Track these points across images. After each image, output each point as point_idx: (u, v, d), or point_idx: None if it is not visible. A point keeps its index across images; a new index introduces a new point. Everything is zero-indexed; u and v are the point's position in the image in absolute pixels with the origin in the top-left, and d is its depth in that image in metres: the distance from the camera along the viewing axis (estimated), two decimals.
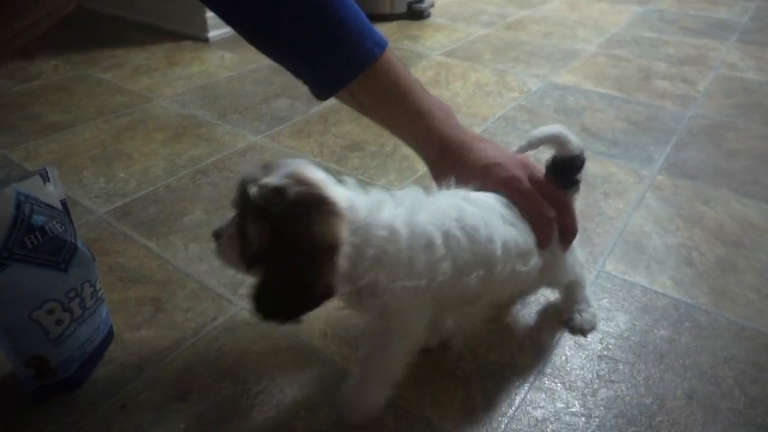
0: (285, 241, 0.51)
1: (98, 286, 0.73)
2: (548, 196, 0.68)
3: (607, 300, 0.86)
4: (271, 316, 0.55)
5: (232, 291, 0.86)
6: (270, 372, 0.73)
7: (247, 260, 0.55)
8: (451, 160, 0.70)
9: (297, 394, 0.71)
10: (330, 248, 0.51)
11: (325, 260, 0.51)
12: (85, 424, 0.67)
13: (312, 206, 0.51)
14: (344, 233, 0.52)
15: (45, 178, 0.65)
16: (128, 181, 1.14)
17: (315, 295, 0.53)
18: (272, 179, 0.52)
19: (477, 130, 1.36)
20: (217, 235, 0.60)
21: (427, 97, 0.73)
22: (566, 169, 0.70)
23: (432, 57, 1.83)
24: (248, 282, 0.86)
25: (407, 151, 1.26)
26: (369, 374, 0.64)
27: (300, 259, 0.51)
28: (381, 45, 0.69)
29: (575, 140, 0.69)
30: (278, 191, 0.51)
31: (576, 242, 0.75)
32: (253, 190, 0.52)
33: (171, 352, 0.76)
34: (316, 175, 0.55)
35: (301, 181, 0.52)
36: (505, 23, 2.19)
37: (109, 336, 0.77)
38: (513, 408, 0.70)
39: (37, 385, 0.68)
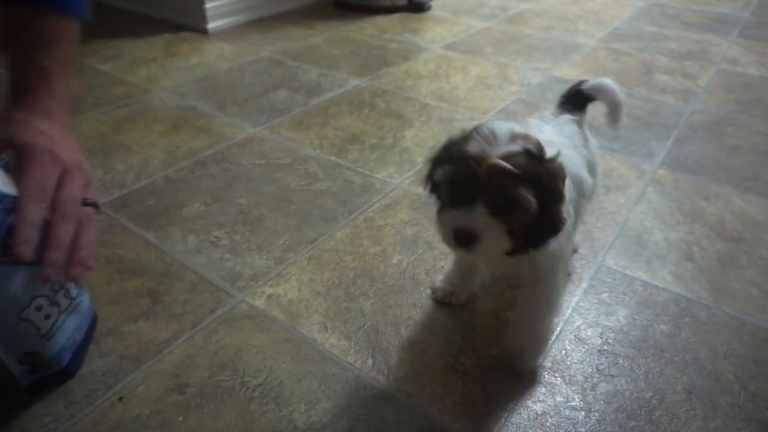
0: (551, 194, 0.58)
1: None
2: (69, 206, 0.57)
3: (607, 294, 0.86)
4: (531, 247, 0.61)
5: (231, 283, 0.86)
6: (269, 365, 0.73)
7: (519, 231, 0.59)
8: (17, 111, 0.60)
9: (296, 387, 0.70)
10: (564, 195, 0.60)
11: (563, 203, 0.60)
12: (82, 416, 0.66)
13: (556, 165, 0.59)
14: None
15: (5, 169, 0.59)
16: (126, 173, 1.13)
17: (562, 226, 0.61)
18: (511, 147, 0.57)
19: (477, 123, 1.35)
20: (470, 236, 0.58)
21: (60, 81, 0.65)
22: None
23: (432, 50, 1.82)
24: (247, 274, 0.86)
25: (407, 143, 1.26)
26: (540, 311, 0.71)
27: (559, 204, 0.59)
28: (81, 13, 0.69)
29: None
30: (529, 155, 0.57)
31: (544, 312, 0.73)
32: (501, 163, 0.55)
33: (169, 344, 0.76)
34: (526, 129, 0.63)
35: (524, 138, 0.59)
36: (507, 16, 2.18)
37: (94, 320, 0.76)
38: (513, 402, 0.70)
39: (32, 378, 0.67)
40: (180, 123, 1.33)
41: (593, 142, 0.88)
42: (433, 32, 1.98)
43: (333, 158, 1.19)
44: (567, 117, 0.83)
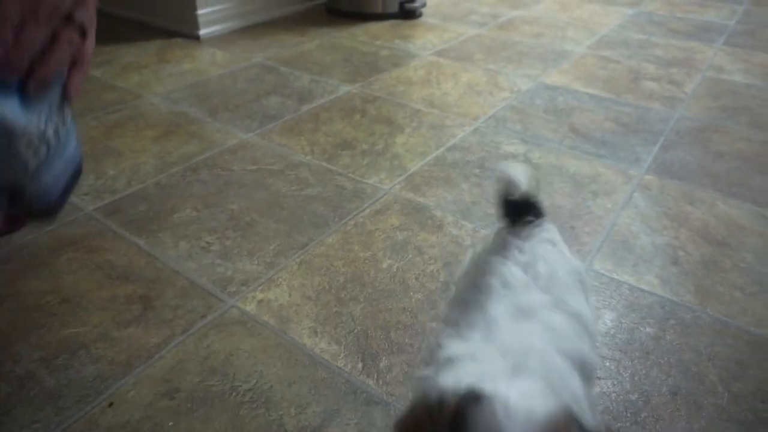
0: None
1: (67, 111, 0.66)
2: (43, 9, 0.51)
3: (594, 298, 0.87)
4: None
5: (222, 288, 0.86)
6: (259, 369, 0.74)
7: None
8: None
9: (286, 391, 0.71)
10: None
11: None
12: (72, 422, 0.67)
13: None
14: None
15: None
16: (118, 178, 1.14)
17: None
18: None
19: (467, 129, 1.37)
20: None
21: None
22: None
23: (423, 56, 1.83)
24: (237, 279, 0.87)
25: (398, 149, 1.27)
26: None
27: None
28: None
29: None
30: None
31: None
32: None
33: (160, 349, 0.76)
34: None
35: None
36: (497, 23, 2.20)
37: (79, 168, 0.73)
38: None
39: (8, 212, 0.65)
40: (172, 129, 1.33)
41: (575, 264, 0.63)
42: (424, 39, 2.00)
43: (324, 164, 1.20)
44: (533, 241, 0.61)
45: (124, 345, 0.77)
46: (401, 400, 0.70)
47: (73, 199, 1.07)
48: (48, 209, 0.68)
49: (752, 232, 1.03)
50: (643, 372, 0.75)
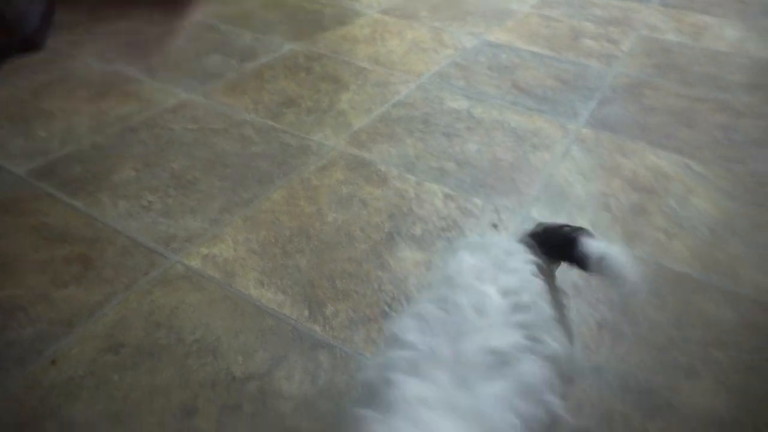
0: None
1: None
2: None
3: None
4: None
5: (165, 245, 0.85)
6: (206, 322, 0.74)
7: None
8: None
9: (233, 341, 0.72)
10: None
11: None
12: (12, 381, 0.66)
13: None
14: None
15: None
16: (50, 140, 1.09)
17: None
18: None
19: (412, 85, 1.38)
20: None
21: None
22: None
23: (369, 15, 1.81)
24: (181, 236, 0.86)
25: (343, 106, 1.27)
26: None
27: None
28: None
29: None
30: None
31: None
32: None
33: (102, 307, 0.75)
34: None
35: None
36: None
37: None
38: None
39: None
40: (106, 89, 1.28)
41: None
42: None
43: (269, 122, 1.19)
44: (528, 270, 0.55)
45: (64, 305, 0.76)
46: (347, 343, 0.73)
47: (2, 162, 1.02)
48: (30, 37, 0.63)
49: (677, 179, 1.10)
50: (574, 308, 0.80)
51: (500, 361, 0.44)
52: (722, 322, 0.79)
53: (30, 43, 0.65)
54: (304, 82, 1.36)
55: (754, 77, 1.52)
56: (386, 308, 0.78)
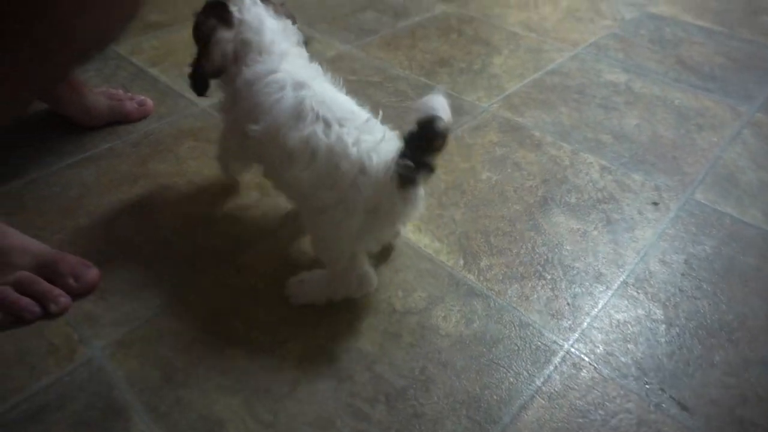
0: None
1: None
2: None
3: (694, 225, 0.87)
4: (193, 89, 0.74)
5: None
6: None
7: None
8: None
9: (394, 276, 0.77)
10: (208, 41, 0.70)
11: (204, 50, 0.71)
12: (206, 281, 0.75)
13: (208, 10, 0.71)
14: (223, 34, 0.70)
15: None
16: None
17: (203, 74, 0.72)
18: None
19: (566, 55, 1.33)
20: None
21: None
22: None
23: None
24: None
25: (495, 70, 1.26)
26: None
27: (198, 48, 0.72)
28: None
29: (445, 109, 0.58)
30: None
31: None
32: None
33: (279, 230, 0.83)
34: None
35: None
36: None
37: None
38: (596, 309, 0.74)
39: None
40: None
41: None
42: None
43: (422, 79, 1.21)
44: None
45: (246, 224, 0.85)
46: (501, 296, 0.75)
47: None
48: None
49: None
50: (741, 297, 0.76)
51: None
52: None
53: None
54: (456, 43, 1.37)
55: None
56: (540, 269, 0.79)
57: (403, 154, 0.58)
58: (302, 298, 0.72)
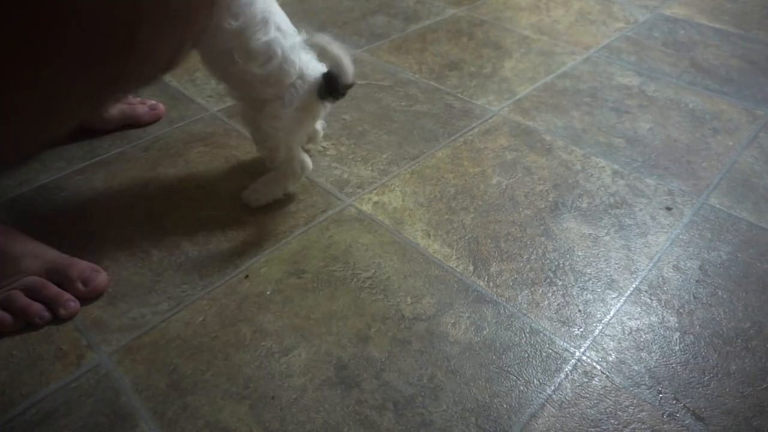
0: None
1: None
2: None
3: (709, 231, 0.86)
4: None
5: (339, 189, 0.92)
6: (377, 261, 0.79)
7: None
8: None
9: (403, 282, 0.76)
10: None
11: None
12: (214, 287, 0.75)
13: None
14: None
15: None
16: None
17: None
18: None
19: (578, 58, 1.32)
20: None
21: None
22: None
23: None
24: (353, 182, 0.91)
25: (506, 73, 1.25)
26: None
27: None
28: None
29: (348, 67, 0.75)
30: None
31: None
32: None
33: (286, 235, 0.83)
34: None
35: None
36: None
37: None
38: (608, 316, 0.73)
39: None
40: None
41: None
42: None
43: (432, 83, 1.21)
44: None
45: (254, 229, 0.84)
46: (511, 302, 0.74)
47: (198, 100, 1.15)
48: None
49: None
50: (758, 305, 0.75)
51: None
52: None
53: None
54: (467, 46, 1.36)
55: None
56: (551, 275, 0.78)
57: (324, 81, 0.77)
58: (261, 199, 0.87)
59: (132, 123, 1.05)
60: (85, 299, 0.73)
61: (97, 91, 0.27)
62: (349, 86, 0.77)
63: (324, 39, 0.75)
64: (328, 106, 0.82)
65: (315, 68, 0.78)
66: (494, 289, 0.76)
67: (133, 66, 0.27)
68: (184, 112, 1.10)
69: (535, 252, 0.81)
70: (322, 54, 0.76)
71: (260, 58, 0.75)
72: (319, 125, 0.97)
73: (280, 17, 0.77)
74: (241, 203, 0.88)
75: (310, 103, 0.79)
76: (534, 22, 1.48)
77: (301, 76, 0.76)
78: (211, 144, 1.02)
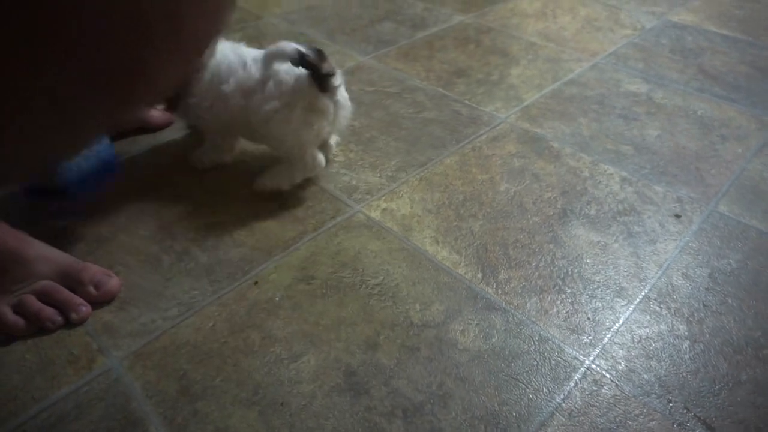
0: None
1: None
2: None
3: (718, 238, 0.85)
4: None
5: (348, 195, 0.92)
6: (386, 268, 0.79)
7: None
8: None
9: (411, 289, 0.76)
10: None
11: None
12: (224, 293, 0.76)
13: None
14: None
15: None
16: None
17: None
18: None
19: (585, 65, 1.32)
20: None
21: None
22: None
23: None
24: (362, 188, 0.92)
25: (513, 80, 1.26)
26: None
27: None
28: None
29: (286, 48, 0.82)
30: None
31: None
32: None
33: (295, 242, 0.84)
34: None
35: None
36: None
37: (110, 164, 0.85)
38: (617, 324, 0.72)
39: (35, 185, 0.80)
40: None
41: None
42: None
43: (440, 90, 1.21)
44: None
45: (263, 235, 0.85)
46: (520, 310, 0.74)
47: None
48: (68, 191, 0.78)
49: None
50: None
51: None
52: None
53: (63, 194, 0.78)
54: (474, 53, 1.37)
55: None
56: (559, 282, 0.78)
57: (310, 74, 0.82)
58: (268, 185, 0.91)
59: (144, 127, 1.06)
60: (97, 303, 0.74)
61: (108, 113, 0.28)
62: (301, 59, 0.80)
63: (265, 50, 0.85)
64: (340, 96, 0.88)
65: (296, 71, 0.84)
66: (503, 297, 0.76)
67: (143, 91, 0.28)
68: None
69: (543, 259, 0.81)
70: (281, 57, 0.83)
71: (257, 89, 0.85)
72: (333, 139, 0.99)
73: (245, 53, 0.89)
74: (251, 209, 0.89)
75: (315, 100, 0.84)
76: (541, 29, 1.49)
77: (298, 79, 0.83)
78: None
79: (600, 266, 0.81)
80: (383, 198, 0.92)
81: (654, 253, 0.83)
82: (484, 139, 1.06)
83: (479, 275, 0.79)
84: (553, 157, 1.02)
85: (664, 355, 0.69)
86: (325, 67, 0.81)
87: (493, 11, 1.59)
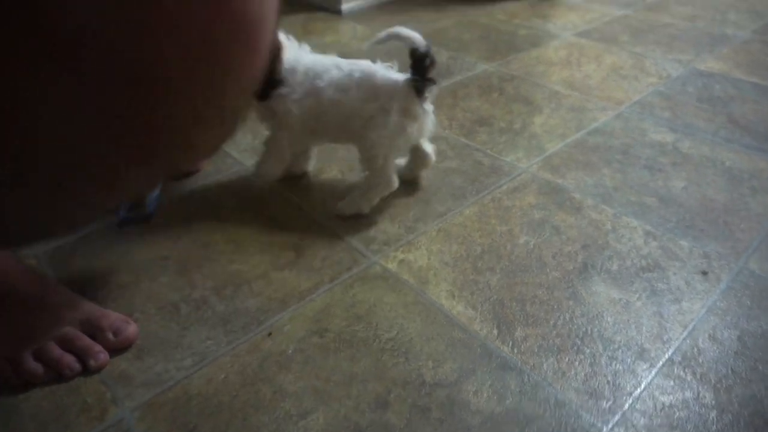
0: None
1: None
2: None
3: (748, 298, 0.82)
4: None
5: (365, 246, 0.92)
6: (400, 322, 0.79)
7: None
8: None
9: (425, 345, 0.75)
10: None
11: None
12: (238, 344, 0.76)
13: None
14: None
15: None
16: None
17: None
18: None
19: (610, 113, 1.32)
20: None
21: None
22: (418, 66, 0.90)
23: (564, 37, 1.77)
24: (380, 239, 0.92)
25: (536, 129, 1.26)
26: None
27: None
28: None
29: (418, 37, 0.89)
30: None
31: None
32: None
33: (311, 293, 0.84)
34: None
35: None
36: (646, 4, 2.06)
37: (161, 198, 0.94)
38: (639, 390, 0.69)
39: (127, 216, 0.87)
40: None
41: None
42: (566, 19, 1.92)
43: (462, 139, 1.22)
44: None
45: (280, 285, 0.86)
46: (536, 370, 0.72)
47: (234, 154, 1.19)
48: (150, 214, 0.87)
49: None
50: None
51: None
52: None
53: (148, 217, 0.87)
54: (497, 102, 1.38)
55: None
56: (578, 342, 0.76)
57: (413, 75, 0.90)
58: (346, 210, 0.97)
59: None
60: (115, 350, 0.75)
61: (150, 175, 0.31)
62: (426, 54, 0.88)
63: (385, 33, 0.91)
64: (427, 111, 0.94)
65: (397, 76, 0.91)
66: (518, 356, 0.74)
67: (185, 159, 0.31)
68: (220, 165, 1.15)
69: (562, 317, 0.79)
70: (406, 41, 0.89)
71: (352, 91, 0.91)
72: (429, 147, 1.02)
73: (337, 59, 0.94)
74: (269, 258, 0.90)
75: (410, 105, 0.90)
76: (565, 77, 1.49)
77: (396, 83, 0.91)
78: (244, 198, 1.05)
79: (621, 325, 0.78)
80: (401, 249, 0.92)
81: (679, 313, 0.80)
82: (505, 190, 1.05)
83: (495, 332, 0.77)
84: (574, 209, 1.00)
85: (689, 426, 0.65)
86: (432, 72, 0.88)
87: (518, 59, 1.61)
